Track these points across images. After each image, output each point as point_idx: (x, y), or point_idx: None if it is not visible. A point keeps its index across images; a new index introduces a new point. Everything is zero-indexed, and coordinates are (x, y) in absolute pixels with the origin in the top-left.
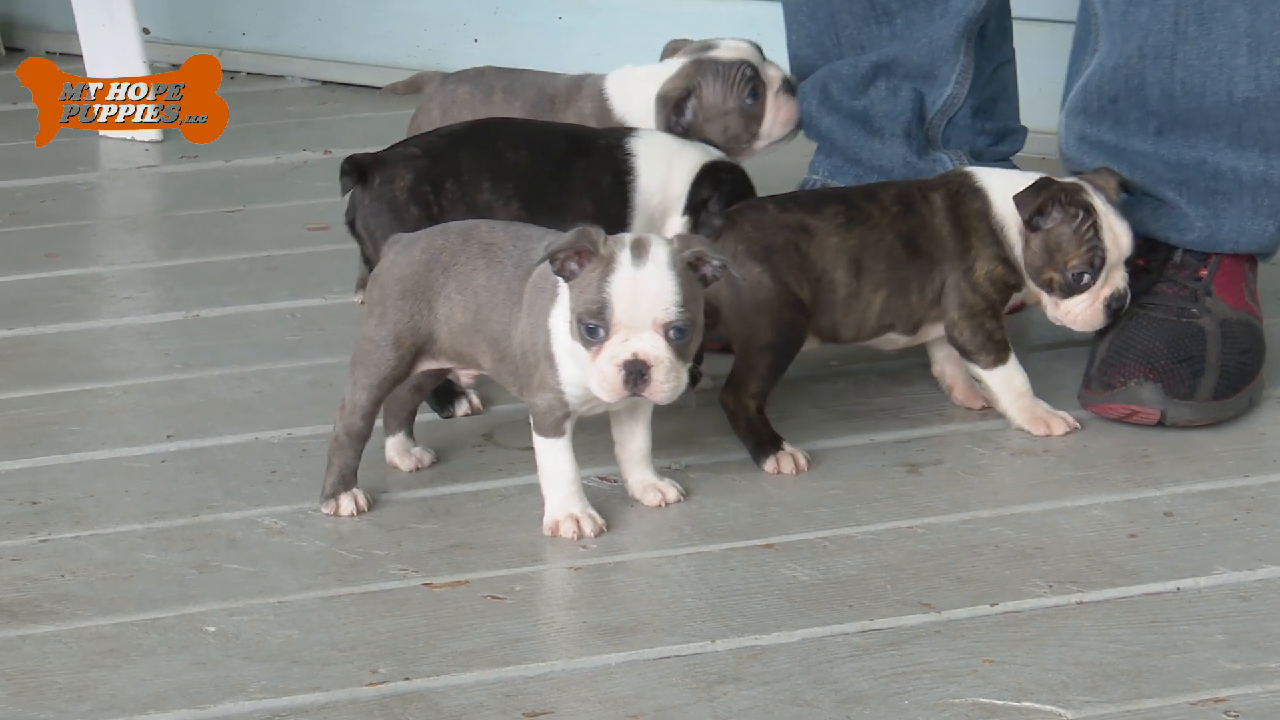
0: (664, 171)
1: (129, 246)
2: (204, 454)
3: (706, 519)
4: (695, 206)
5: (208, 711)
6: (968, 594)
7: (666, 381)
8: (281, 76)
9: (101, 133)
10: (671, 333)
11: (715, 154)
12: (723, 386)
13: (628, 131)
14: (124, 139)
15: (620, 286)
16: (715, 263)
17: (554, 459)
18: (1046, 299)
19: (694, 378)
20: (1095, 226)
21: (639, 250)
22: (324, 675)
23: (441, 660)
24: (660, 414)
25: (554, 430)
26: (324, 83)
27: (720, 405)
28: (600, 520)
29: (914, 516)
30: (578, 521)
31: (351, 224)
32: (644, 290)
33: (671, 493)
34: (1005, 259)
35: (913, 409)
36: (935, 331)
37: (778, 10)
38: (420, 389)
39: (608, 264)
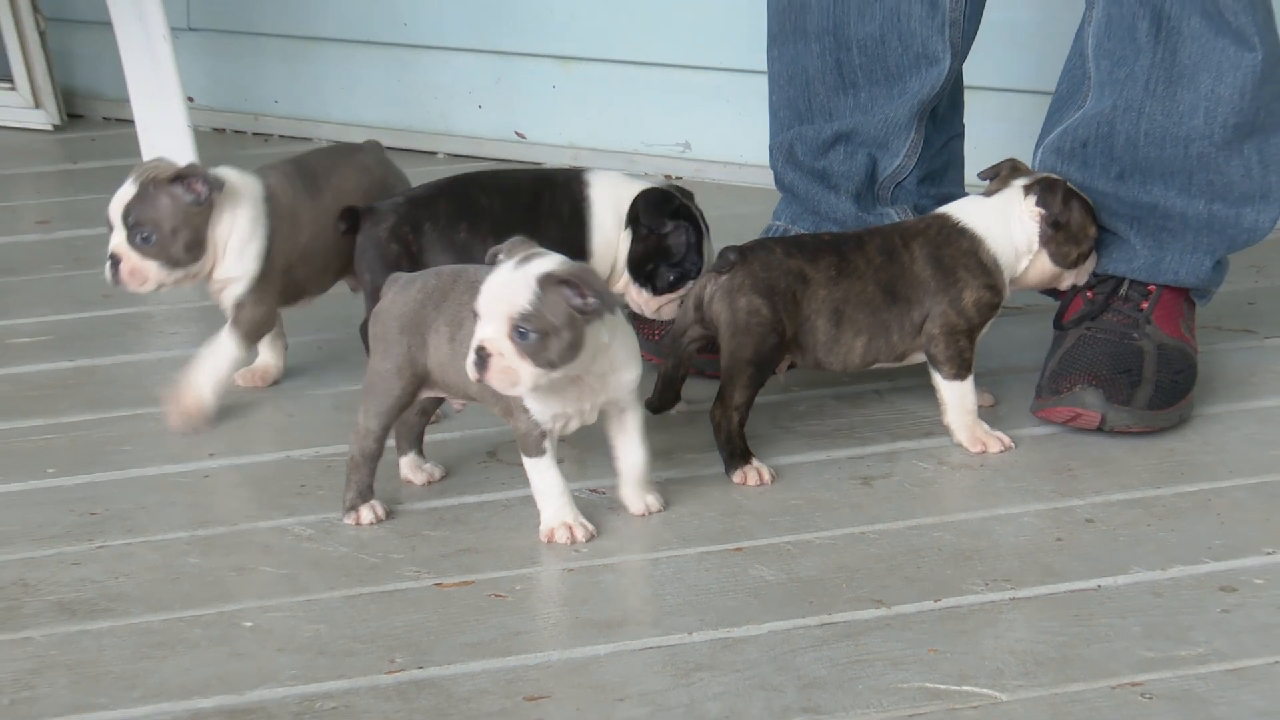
0: (613, 198)
1: (178, 288)
2: (241, 470)
3: (683, 526)
4: (635, 225)
5: (245, 697)
6: (914, 591)
7: (502, 373)
8: (310, 139)
9: None
10: (516, 331)
11: (656, 183)
12: (714, 401)
13: (581, 170)
14: None
15: (490, 283)
16: (588, 298)
17: (541, 475)
18: (1069, 272)
19: (671, 399)
20: (1084, 198)
21: (522, 261)
22: (348, 664)
23: (451, 651)
24: (644, 432)
25: (536, 449)
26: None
27: (709, 418)
28: (590, 527)
29: (867, 524)
30: (570, 529)
31: (355, 266)
32: (502, 289)
33: (655, 503)
34: (993, 285)
35: (864, 429)
36: (921, 356)
37: (751, 81)
38: (426, 412)
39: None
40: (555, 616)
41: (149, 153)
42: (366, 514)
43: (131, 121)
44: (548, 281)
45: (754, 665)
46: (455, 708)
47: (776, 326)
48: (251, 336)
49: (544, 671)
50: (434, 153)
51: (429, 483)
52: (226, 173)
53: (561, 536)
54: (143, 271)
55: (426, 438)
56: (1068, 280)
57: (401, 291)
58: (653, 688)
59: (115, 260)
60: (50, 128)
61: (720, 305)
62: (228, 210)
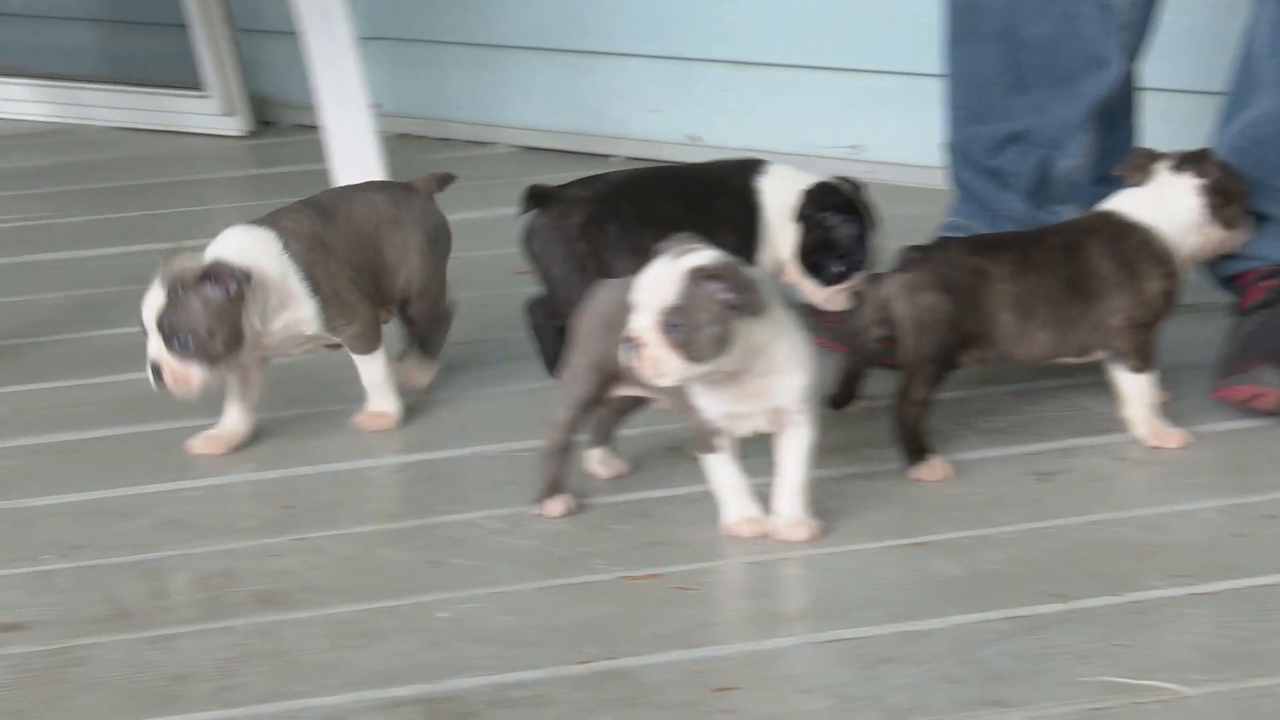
0: (783, 196)
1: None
2: (433, 465)
3: (864, 520)
4: (803, 218)
5: (441, 686)
6: (1096, 586)
7: (652, 363)
8: (492, 143)
9: None
10: (665, 324)
11: (825, 178)
12: (895, 397)
13: (755, 163)
14: None
15: (646, 276)
16: (737, 293)
17: (715, 472)
18: (1236, 233)
19: (850, 396)
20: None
21: (678, 255)
22: (540, 655)
23: (640, 643)
24: (824, 428)
25: (709, 447)
26: (526, 148)
27: (887, 414)
28: (766, 523)
29: (1046, 518)
30: (749, 524)
31: (529, 244)
32: (654, 283)
33: (814, 529)
34: (1171, 273)
35: (1041, 425)
36: (1102, 353)
37: (921, 83)
38: (621, 410)
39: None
40: (741, 609)
41: (337, 157)
42: (556, 507)
43: (319, 128)
44: (696, 276)
45: (937, 658)
46: (645, 698)
47: (957, 323)
48: (370, 342)
49: (731, 663)
50: (610, 156)
51: (615, 477)
52: (239, 239)
53: (744, 531)
54: (186, 377)
55: (616, 434)
56: (1238, 240)
57: (608, 291)
58: (838, 680)
59: (157, 369)
60: (242, 134)
61: (902, 303)
62: (257, 287)
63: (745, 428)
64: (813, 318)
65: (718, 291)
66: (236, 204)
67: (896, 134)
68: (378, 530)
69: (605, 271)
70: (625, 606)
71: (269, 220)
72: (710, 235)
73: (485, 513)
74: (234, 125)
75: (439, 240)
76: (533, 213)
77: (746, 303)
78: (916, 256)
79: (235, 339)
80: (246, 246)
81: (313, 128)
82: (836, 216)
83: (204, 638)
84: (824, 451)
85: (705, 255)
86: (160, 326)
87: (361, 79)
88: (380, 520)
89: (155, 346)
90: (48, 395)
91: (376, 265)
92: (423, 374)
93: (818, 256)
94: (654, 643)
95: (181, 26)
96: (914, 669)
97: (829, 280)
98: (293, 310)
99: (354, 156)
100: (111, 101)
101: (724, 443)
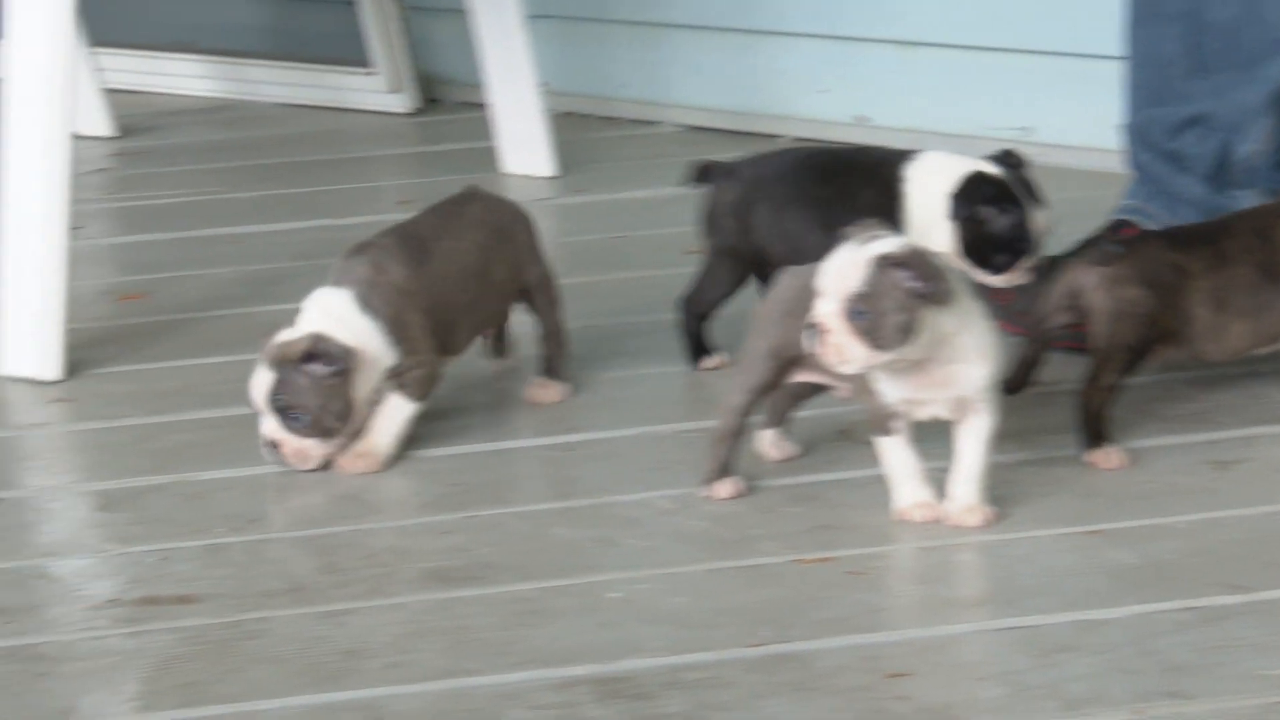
0: (930, 188)
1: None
2: (602, 444)
3: (1037, 507)
4: (957, 217)
5: (614, 666)
6: (1276, 578)
7: (835, 349)
8: (657, 122)
9: (504, 169)
10: (850, 311)
11: (984, 165)
12: (1083, 381)
13: (903, 154)
14: (523, 176)
15: (831, 262)
16: (924, 281)
17: (889, 456)
18: None
19: (1025, 381)
20: None
21: (864, 241)
22: (712, 637)
23: (812, 626)
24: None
25: (884, 430)
26: (693, 128)
27: (1063, 400)
28: (939, 508)
29: (1223, 508)
30: (922, 509)
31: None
32: (840, 269)
33: (988, 515)
34: None
35: (1218, 414)
36: None
37: (1093, 65)
38: (797, 395)
39: None
40: (913, 594)
41: (504, 135)
42: (726, 488)
43: (484, 105)
44: (883, 263)
45: (1115, 648)
46: (817, 682)
47: (1156, 319)
48: (422, 390)
49: (904, 649)
50: (777, 136)
51: (787, 460)
52: (326, 311)
53: (916, 516)
54: (304, 451)
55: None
56: None
57: (790, 279)
58: (1014, 667)
59: (275, 445)
60: (408, 112)
61: (1101, 295)
62: (360, 361)
63: (924, 413)
64: (988, 298)
65: (905, 279)
66: (402, 180)
67: (1067, 116)
68: (549, 509)
69: (755, 251)
70: (797, 590)
71: (354, 264)
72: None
73: (656, 493)
74: (400, 103)
75: (534, 231)
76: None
77: (934, 291)
78: (1120, 252)
79: (346, 410)
80: (336, 317)
81: (478, 105)
82: (991, 210)
83: (376, 613)
84: (998, 437)
85: (893, 242)
86: (273, 406)
87: (531, 57)
88: (551, 499)
89: (270, 426)
90: (219, 369)
91: (482, 292)
92: (553, 393)
93: (981, 251)
94: (826, 627)
95: (350, 3)
96: (1091, 659)
97: (997, 271)
98: (383, 361)
99: (522, 135)
100: (279, 78)
101: (900, 426)
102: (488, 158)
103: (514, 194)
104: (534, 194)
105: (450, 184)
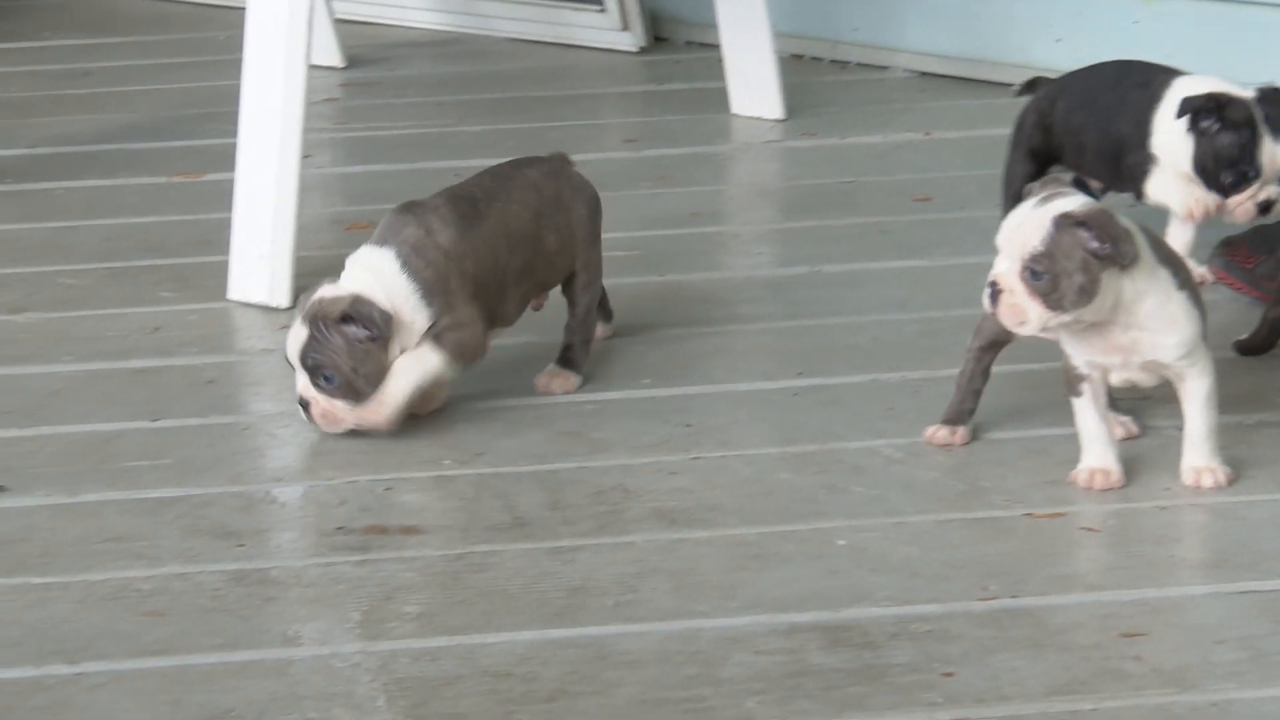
0: (1169, 104)
1: (759, 209)
2: (829, 390)
3: (1277, 469)
4: (1190, 128)
5: (840, 614)
6: None
7: (1011, 309)
8: (886, 67)
9: (733, 110)
10: (1028, 271)
11: (1239, 90)
12: None
13: (1178, 74)
14: (752, 117)
15: (1010, 220)
16: (1105, 242)
17: (1078, 416)
18: None
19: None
20: None
21: (1044, 200)
22: (941, 589)
23: (1044, 582)
24: (1233, 373)
25: (1072, 390)
26: (922, 74)
27: None
28: (1119, 476)
29: None
30: (1097, 475)
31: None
32: (1020, 227)
33: (1221, 476)
34: None
35: None
36: None
37: None
38: None
39: None
40: (1149, 554)
41: (734, 76)
42: (944, 435)
43: (712, 46)
44: (1063, 223)
45: None
46: (1050, 639)
47: None
48: (457, 356)
49: (1138, 608)
50: (1009, 84)
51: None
52: (367, 269)
53: (1092, 482)
54: (334, 413)
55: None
56: None
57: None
58: (1253, 632)
59: (305, 404)
60: (636, 50)
61: None
62: (397, 326)
63: (1116, 378)
64: (1229, 258)
65: (1086, 239)
66: (628, 119)
67: None
68: (776, 453)
69: (1052, 150)
70: (1028, 544)
71: (401, 224)
72: (1119, 129)
73: (884, 441)
74: (628, 40)
75: (596, 212)
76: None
77: (1115, 253)
78: None
79: (380, 374)
80: (376, 278)
81: (706, 45)
82: (1220, 125)
83: (602, 552)
84: (1236, 398)
85: (1075, 200)
86: (305, 363)
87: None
88: (778, 443)
89: (303, 384)
90: None
91: (533, 258)
92: (565, 382)
93: (1207, 167)
94: (1058, 583)
95: None
96: None
97: (1223, 192)
98: (418, 324)
99: (752, 76)
100: (509, 12)
101: (1087, 388)
102: (715, 98)
103: (740, 136)
104: (762, 136)
105: (677, 123)
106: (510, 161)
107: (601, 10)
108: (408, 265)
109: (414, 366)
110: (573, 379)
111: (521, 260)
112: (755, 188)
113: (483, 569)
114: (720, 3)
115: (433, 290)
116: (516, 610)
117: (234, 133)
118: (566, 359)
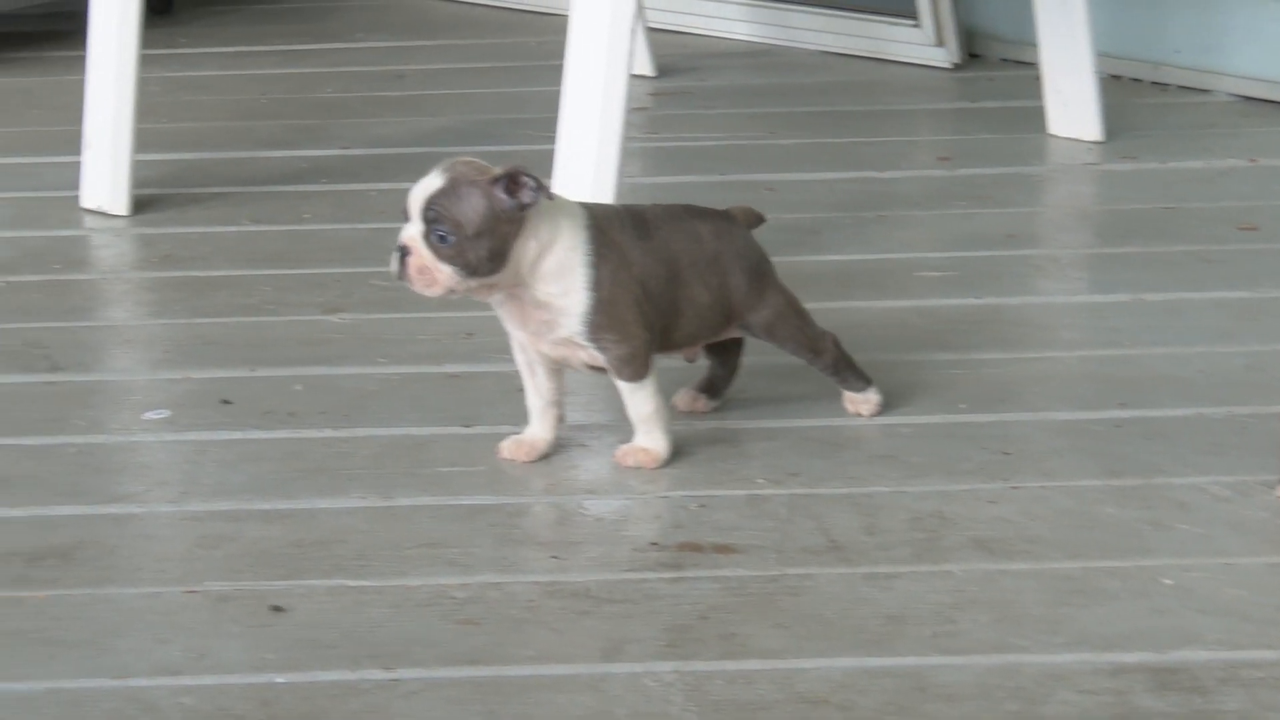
0: None
1: (1077, 233)
2: (1152, 423)
3: None
4: None
5: (1167, 656)
6: None
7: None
8: (1209, 91)
9: (1050, 130)
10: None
11: None
12: None
13: None
14: (1069, 139)
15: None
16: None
17: None
18: None
19: None
20: None
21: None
22: (1273, 635)
23: None
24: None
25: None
26: (1246, 98)
27: None
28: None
29: None
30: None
31: None
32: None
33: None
34: None
35: None
36: None
37: None
38: None
39: None
40: None
41: (1052, 95)
42: None
43: (1027, 64)
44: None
45: None
46: None
47: None
48: (639, 369)
49: None
50: None
51: None
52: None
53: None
54: (432, 273)
55: None
56: None
57: None
58: None
59: (404, 252)
60: (949, 66)
61: None
62: (545, 226)
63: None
64: None
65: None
66: (942, 137)
67: None
68: (1098, 486)
69: None
70: None
71: (584, 203)
72: None
73: (1209, 478)
74: (942, 56)
75: (759, 275)
76: None
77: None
78: None
79: (499, 256)
80: (553, 204)
81: (1021, 63)
82: None
83: (920, 580)
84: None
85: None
86: (425, 211)
87: (1088, 18)
88: (1100, 475)
89: (412, 231)
90: None
91: (675, 301)
92: (869, 404)
93: None
94: None
95: None
96: None
97: None
98: (563, 288)
99: (1072, 96)
100: (821, 25)
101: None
102: (1031, 117)
103: (1057, 157)
104: (1080, 158)
105: (992, 142)
106: (682, 205)
107: (916, 25)
108: (589, 228)
109: (636, 407)
110: (873, 398)
111: (666, 298)
112: (1073, 210)
113: (798, 592)
114: (1042, 20)
115: (601, 269)
116: (833, 636)
117: (544, 139)
118: (852, 385)
